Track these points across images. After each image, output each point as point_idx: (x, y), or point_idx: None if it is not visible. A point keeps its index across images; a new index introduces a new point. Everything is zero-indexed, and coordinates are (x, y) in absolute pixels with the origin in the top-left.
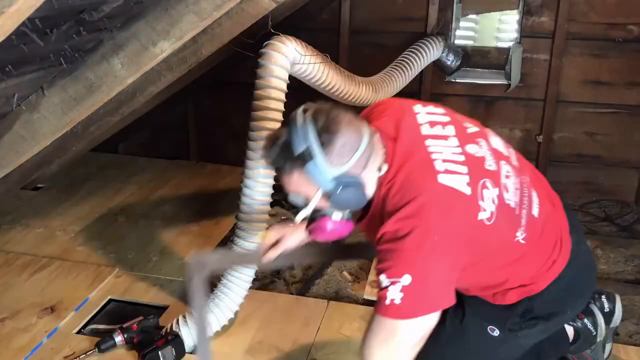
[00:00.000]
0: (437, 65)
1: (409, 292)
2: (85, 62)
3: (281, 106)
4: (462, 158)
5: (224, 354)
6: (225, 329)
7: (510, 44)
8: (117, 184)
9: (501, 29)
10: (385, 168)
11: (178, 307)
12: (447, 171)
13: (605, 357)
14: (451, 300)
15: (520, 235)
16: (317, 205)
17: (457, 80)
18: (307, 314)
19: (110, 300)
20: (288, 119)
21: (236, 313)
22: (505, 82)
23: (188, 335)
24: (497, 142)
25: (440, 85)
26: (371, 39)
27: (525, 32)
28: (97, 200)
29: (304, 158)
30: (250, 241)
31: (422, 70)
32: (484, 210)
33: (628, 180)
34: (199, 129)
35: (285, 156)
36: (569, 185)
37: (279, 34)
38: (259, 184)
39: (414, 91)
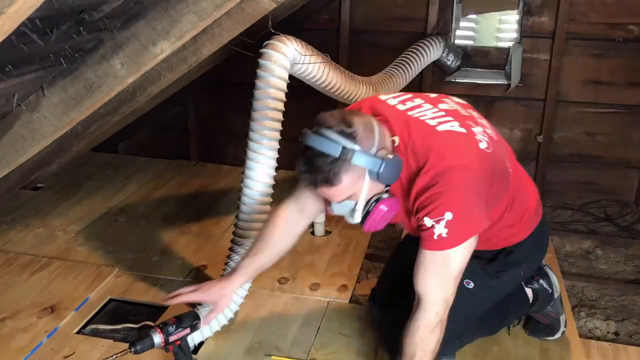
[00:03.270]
0: (437, 65)
1: (452, 225)
2: (85, 62)
3: (281, 106)
4: (442, 113)
5: (224, 354)
6: (225, 328)
7: (510, 44)
8: (117, 184)
9: (501, 29)
10: (397, 139)
11: (178, 307)
12: (439, 123)
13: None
14: (486, 223)
15: (508, 164)
16: (365, 197)
17: (457, 80)
18: (307, 314)
19: (110, 300)
20: (302, 152)
21: (236, 313)
22: (505, 82)
23: None
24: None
25: (440, 85)
26: (371, 39)
27: (525, 32)
28: (97, 200)
29: (345, 155)
30: (250, 241)
31: (422, 70)
32: (481, 141)
33: (628, 180)
34: (199, 129)
35: (328, 168)
36: (569, 185)
37: (279, 34)
38: (259, 184)
39: (414, 91)
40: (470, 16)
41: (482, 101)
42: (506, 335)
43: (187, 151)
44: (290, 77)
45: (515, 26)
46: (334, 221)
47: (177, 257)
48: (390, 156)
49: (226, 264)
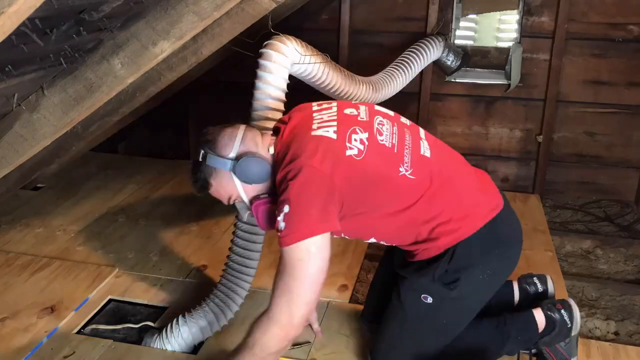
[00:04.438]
0: (437, 65)
1: (288, 219)
2: (85, 62)
3: (281, 106)
4: (334, 117)
5: (224, 354)
6: (225, 329)
7: (510, 44)
8: (117, 184)
9: (501, 29)
10: (272, 149)
11: (178, 307)
12: (319, 127)
13: None
14: (331, 226)
15: (404, 170)
16: (245, 197)
17: (457, 80)
18: None
19: (110, 300)
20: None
21: (236, 313)
22: (505, 82)
23: (188, 334)
24: (386, 110)
25: (440, 85)
26: (371, 39)
27: (525, 32)
28: (97, 200)
29: (205, 159)
30: (250, 241)
31: (422, 70)
32: (351, 148)
33: (628, 180)
34: (199, 129)
35: (198, 174)
36: (569, 185)
37: (279, 34)
38: None
39: (414, 91)
40: (470, 16)
41: (482, 101)
42: None
43: (187, 151)
44: (290, 77)
45: (515, 26)
46: None
47: (177, 257)
48: (247, 160)
49: (226, 264)
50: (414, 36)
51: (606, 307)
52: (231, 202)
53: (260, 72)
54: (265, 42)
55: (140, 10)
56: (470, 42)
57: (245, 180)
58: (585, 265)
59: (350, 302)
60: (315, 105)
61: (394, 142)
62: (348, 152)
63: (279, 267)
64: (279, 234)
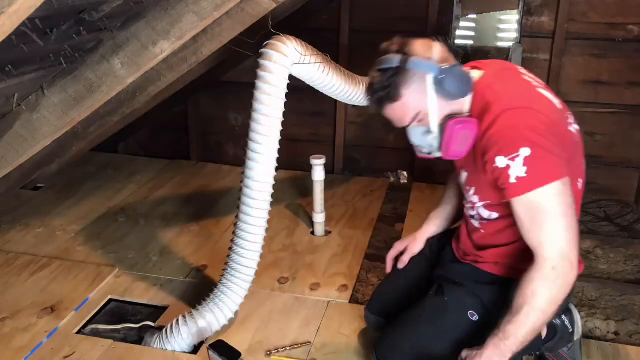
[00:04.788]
0: None
1: (531, 163)
2: (85, 62)
3: (281, 106)
4: (548, 93)
5: None
6: (225, 329)
7: (510, 44)
8: (117, 184)
9: (501, 29)
10: (476, 73)
11: (178, 307)
12: (542, 87)
13: None
14: (567, 172)
15: (579, 183)
16: (436, 115)
17: None
18: (307, 314)
19: (110, 300)
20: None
21: (236, 313)
22: None
23: (188, 334)
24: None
25: None
26: (371, 39)
27: (525, 32)
28: (97, 200)
29: (404, 64)
30: (250, 241)
31: None
32: (572, 125)
33: (628, 180)
34: (199, 129)
35: (387, 82)
36: None
37: (279, 34)
38: (259, 184)
39: None
40: (470, 16)
41: None
42: None
43: (187, 151)
44: (290, 77)
45: (515, 26)
46: (334, 221)
47: (177, 257)
48: (453, 70)
49: (226, 264)
50: (414, 36)
51: (606, 307)
52: (413, 123)
53: (260, 72)
54: (266, 42)
55: (140, 10)
56: (470, 42)
57: (449, 92)
58: (585, 265)
59: (350, 302)
60: (519, 68)
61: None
62: (570, 127)
63: (522, 221)
64: (511, 180)
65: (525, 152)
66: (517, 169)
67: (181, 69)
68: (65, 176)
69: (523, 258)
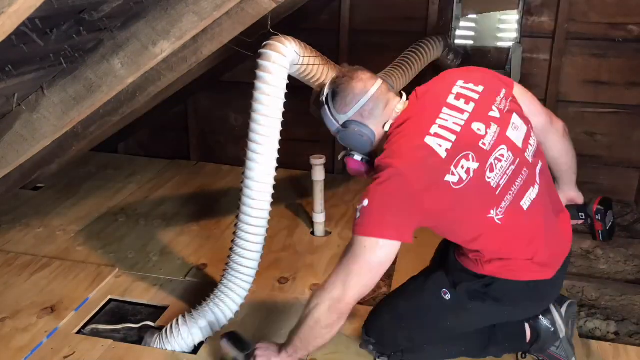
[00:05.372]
0: (437, 65)
1: (364, 213)
2: (85, 62)
3: (281, 106)
4: (458, 129)
5: (224, 354)
6: (225, 329)
7: (510, 44)
8: (117, 184)
9: (501, 29)
10: (388, 125)
11: (178, 307)
12: (436, 135)
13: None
14: (403, 236)
15: (495, 214)
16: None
17: None
18: None
19: (110, 300)
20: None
21: (236, 313)
22: None
23: (188, 334)
24: (517, 135)
25: None
26: (371, 39)
27: (525, 32)
28: (97, 200)
29: (322, 105)
30: (250, 241)
31: (422, 70)
32: (453, 174)
33: (628, 180)
34: (199, 129)
35: (314, 105)
36: None
37: (277, 34)
38: (259, 184)
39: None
40: (470, 16)
41: None
42: None
43: (187, 151)
44: (290, 77)
45: (515, 26)
46: (334, 221)
47: (177, 257)
48: (353, 130)
49: (227, 264)
50: (414, 36)
51: (606, 307)
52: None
53: (259, 73)
54: (264, 43)
55: (140, 10)
56: (470, 42)
57: (344, 144)
58: (585, 265)
59: None
60: (457, 87)
61: (500, 182)
62: (447, 178)
63: (346, 247)
64: (356, 215)
65: (365, 202)
66: (358, 212)
67: (181, 69)
68: (65, 176)
69: (484, 257)
